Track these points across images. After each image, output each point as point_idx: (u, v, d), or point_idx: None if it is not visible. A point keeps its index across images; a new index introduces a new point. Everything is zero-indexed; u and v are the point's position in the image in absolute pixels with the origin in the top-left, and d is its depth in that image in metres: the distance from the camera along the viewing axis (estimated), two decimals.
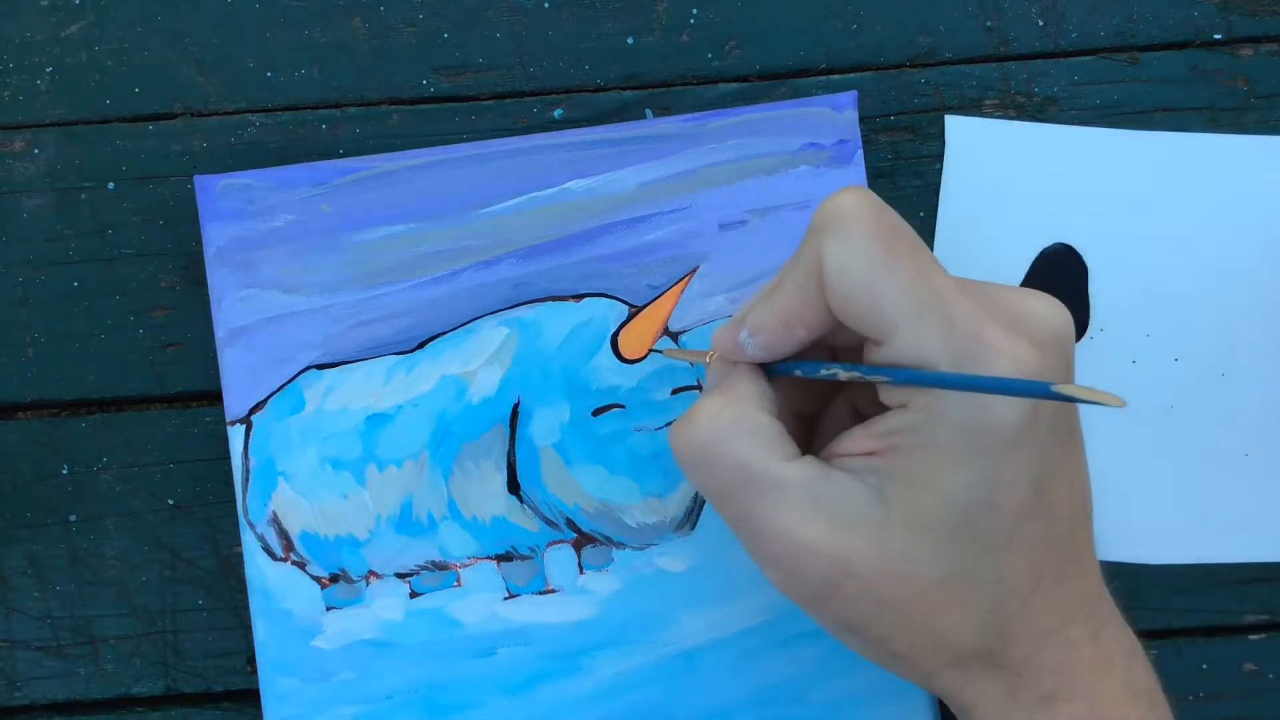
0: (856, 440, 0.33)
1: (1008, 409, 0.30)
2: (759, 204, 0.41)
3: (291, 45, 0.42)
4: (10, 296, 0.42)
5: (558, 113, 0.42)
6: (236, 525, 0.41)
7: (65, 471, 0.42)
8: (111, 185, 0.42)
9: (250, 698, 0.42)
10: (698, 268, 0.41)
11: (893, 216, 0.32)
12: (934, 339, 0.31)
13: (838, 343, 0.36)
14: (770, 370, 0.35)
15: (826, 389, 0.37)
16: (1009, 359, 0.31)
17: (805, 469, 0.32)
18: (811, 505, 0.32)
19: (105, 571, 0.42)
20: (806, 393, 0.37)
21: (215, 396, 0.42)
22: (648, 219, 0.41)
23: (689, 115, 0.41)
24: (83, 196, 0.42)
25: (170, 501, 0.42)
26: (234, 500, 0.41)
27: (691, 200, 0.41)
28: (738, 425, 0.33)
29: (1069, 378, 0.33)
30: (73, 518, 0.42)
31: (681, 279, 0.41)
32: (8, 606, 0.42)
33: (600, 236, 0.41)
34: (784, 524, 0.32)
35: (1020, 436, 0.31)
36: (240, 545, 0.41)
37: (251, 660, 0.42)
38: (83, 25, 0.42)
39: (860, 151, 0.41)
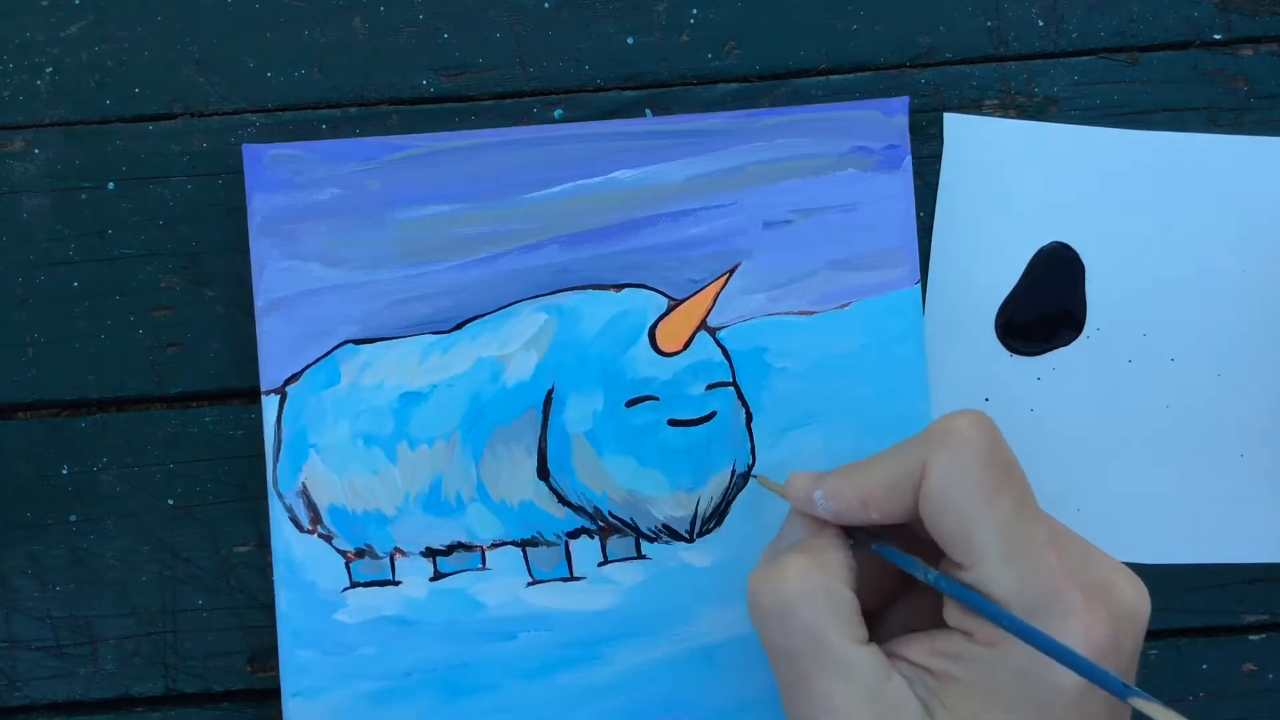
0: (918, 650, 0.33)
1: (1070, 673, 0.31)
2: (804, 204, 0.41)
3: (291, 45, 0.42)
4: (10, 296, 0.42)
5: (557, 113, 0.42)
6: (236, 525, 0.41)
7: (65, 471, 0.42)
8: (111, 185, 0.42)
9: (250, 698, 0.42)
10: (739, 264, 0.41)
11: (1008, 453, 0.33)
12: (1013, 584, 0.31)
13: (914, 529, 0.36)
14: (852, 534, 0.35)
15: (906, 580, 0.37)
16: (1082, 626, 0.31)
17: (871, 660, 0.33)
18: (867, 696, 0.33)
19: (105, 571, 0.42)
20: (885, 574, 0.37)
21: (215, 396, 0.42)
22: (692, 213, 0.41)
23: (740, 111, 0.41)
24: (83, 196, 0.42)
25: (170, 501, 0.42)
26: (234, 500, 0.41)
27: (737, 197, 0.41)
28: (824, 594, 0.33)
29: (1134, 659, 0.33)
30: (73, 518, 0.42)
31: (722, 275, 0.41)
32: (8, 606, 0.42)
33: (644, 227, 0.41)
34: (837, 703, 0.33)
35: (1075, 702, 0.31)
36: (241, 545, 0.41)
37: (252, 660, 0.42)
38: (83, 25, 0.42)
39: (909, 158, 0.41)
